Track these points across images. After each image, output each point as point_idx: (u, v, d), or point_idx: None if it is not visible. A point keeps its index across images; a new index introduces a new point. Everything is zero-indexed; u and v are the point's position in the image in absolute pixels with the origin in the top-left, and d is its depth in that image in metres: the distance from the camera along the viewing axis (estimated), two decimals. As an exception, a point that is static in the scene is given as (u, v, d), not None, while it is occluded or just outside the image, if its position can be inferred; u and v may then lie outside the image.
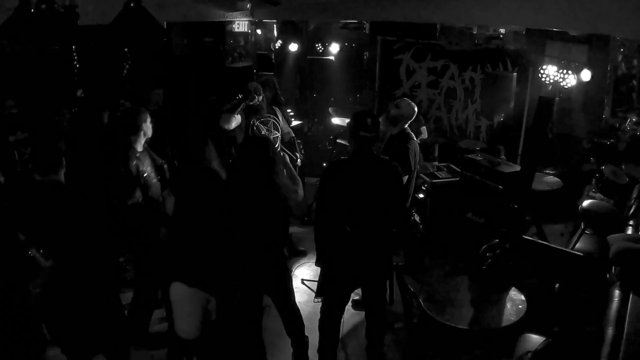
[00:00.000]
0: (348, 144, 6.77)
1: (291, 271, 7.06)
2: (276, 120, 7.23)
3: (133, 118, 5.66)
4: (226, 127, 6.80)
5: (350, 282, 5.15)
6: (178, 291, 4.23)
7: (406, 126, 6.56)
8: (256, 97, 6.90)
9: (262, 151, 4.67)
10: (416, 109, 6.63)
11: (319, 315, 6.09)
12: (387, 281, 5.67)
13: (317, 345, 5.32)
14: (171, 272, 4.36)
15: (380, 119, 5.42)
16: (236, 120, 6.83)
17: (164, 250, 4.75)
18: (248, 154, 4.76)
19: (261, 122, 7.09)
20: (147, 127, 5.73)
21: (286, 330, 5.34)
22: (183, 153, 7.26)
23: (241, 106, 6.78)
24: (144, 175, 5.60)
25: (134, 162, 5.53)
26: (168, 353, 4.93)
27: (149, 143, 6.00)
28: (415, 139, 6.54)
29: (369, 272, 5.04)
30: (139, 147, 5.70)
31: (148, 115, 5.78)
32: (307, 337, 5.42)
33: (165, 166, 5.97)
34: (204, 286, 4.20)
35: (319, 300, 5.75)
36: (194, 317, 4.24)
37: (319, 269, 7.15)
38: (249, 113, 7.00)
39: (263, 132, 7.05)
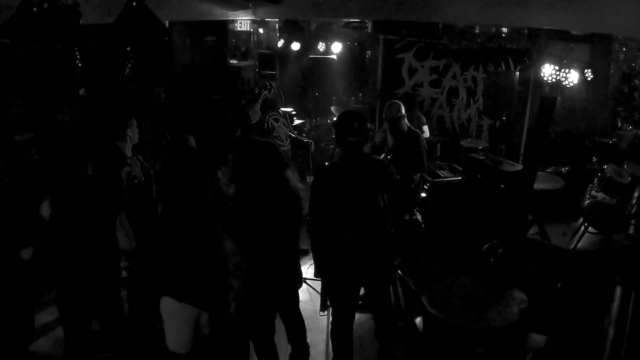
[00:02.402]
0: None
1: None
2: (285, 120, 7.31)
3: (119, 125, 5.63)
4: (254, 117, 6.82)
5: (354, 288, 5.02)
6: (167, 306, 4.14)
7: (409, 124, 6.64)
8: (272, 89, 6.99)
9: (273, 154, 4.58)
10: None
11: (319, 314, 6.08)
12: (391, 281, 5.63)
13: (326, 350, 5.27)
14: (160, 286, 4.28)
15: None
16: (257, 114, 6.90)
17: (152, 264, 4.67)
18: (258, 157, 4.57)
19: (274, 119, 7.14)
20: (133, 132, 5.69)
21: (288, 336, 5.20)
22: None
23: (262, 96, 6.84)
24: (135, 181, 5.56)
25: (126, 169, 5.51)
26: None
27: (151, 141, 6.01)
28: (422, 136, 6.62)
29: (371, 275, 4.95)
30: (128, 153, 5.67)
31: (134, 120, 5.73)
32: (308, 344, 5.31)
33: (152, 171, 5.87)
34: (194, 301, 4.11)
35: (325, 314, 5.67)
36: (185, 332, 4.13)
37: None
38: (265, 108, 7.05)
39: (276, 129, 7.11)
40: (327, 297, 5.23)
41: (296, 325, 5.16)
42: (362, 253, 4.75)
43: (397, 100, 6.94)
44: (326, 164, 5.30)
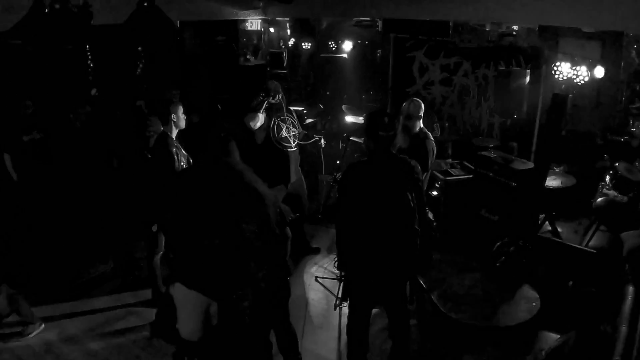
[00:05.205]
0: (363, 143, 6.76)
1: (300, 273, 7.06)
2: (293, 119, 7.30)
3: (164, 109, 5.90)
4: (252, 125, 6.86)
5: (375, 284, 4.87)
6: (179, 292, 4.18)
7: (422, 125, 6.59)
8: (278, 95, 6.98)
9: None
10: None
11: (332, 311, 6.07)
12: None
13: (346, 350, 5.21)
14: (173, 272, 4.33)
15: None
16: (260, 120, 6.91)
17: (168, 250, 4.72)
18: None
19: (281, 120, 7.14)
20: (178, 119, 5.92)
21: (279, 346, 5.08)
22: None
23: (265, 104, 6.85)
24: (182, 163, 5.77)
25: (174, 149, 5.76)
26: (174, 353, 4.89)
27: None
28: (432, 137, 6.56)
29: (395, 274, 4.83)
30: (174, 136, 5.93)
31: (180, 107, 5.97)
32: (300, 353, 5.22)
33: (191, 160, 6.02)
34: (203, 290, 4.12)
35: (345, 305, 5.63)
36: (194, 319, 4.18)
37: (332, 266, 7.18)
38: (270, 112, 7.06)
39: (283, 130, 7.10)
40: (347, 291, 5.19)
41: (285, 332, 5.09)
42: (388, 250, 4.66)
43: (419, 100, 6.82)
44: (355, 161, 5.24)
